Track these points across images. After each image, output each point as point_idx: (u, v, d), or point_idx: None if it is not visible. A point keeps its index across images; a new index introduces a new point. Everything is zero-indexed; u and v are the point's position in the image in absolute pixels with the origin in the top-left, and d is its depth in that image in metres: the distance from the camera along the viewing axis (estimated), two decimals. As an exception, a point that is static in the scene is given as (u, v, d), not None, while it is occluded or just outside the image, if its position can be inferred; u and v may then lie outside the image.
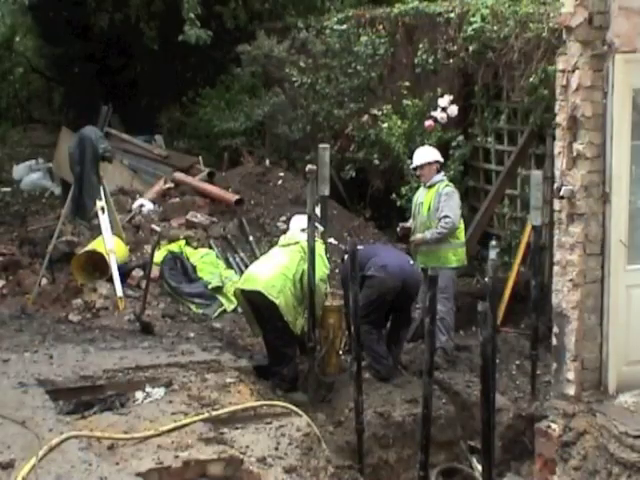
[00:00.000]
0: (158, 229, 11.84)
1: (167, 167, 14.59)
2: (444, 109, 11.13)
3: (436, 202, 9.42)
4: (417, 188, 11.34)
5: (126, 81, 18.92)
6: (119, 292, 10.18)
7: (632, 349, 7.42)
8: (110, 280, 10.37)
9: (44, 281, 10.71)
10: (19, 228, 12.90)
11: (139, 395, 7.86)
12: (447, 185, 9.55)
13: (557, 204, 7.39)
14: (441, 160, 9.75)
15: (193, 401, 7.55)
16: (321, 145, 10.30)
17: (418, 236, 9.50)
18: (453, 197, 9.44)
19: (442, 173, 9.73)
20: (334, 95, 13.22)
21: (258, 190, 13.22)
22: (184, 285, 10.87)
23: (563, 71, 7.23)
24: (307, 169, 8.71)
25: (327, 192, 10.23)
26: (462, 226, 9.62)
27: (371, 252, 9.22)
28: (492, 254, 7.51)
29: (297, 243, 8.85)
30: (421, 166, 9.65)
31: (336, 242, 9.65)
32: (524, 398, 8.73)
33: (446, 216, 9.31)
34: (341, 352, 9.51)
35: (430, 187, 9.54)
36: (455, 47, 11.57)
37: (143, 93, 18.94)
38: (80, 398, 7.77)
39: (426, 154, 9.72)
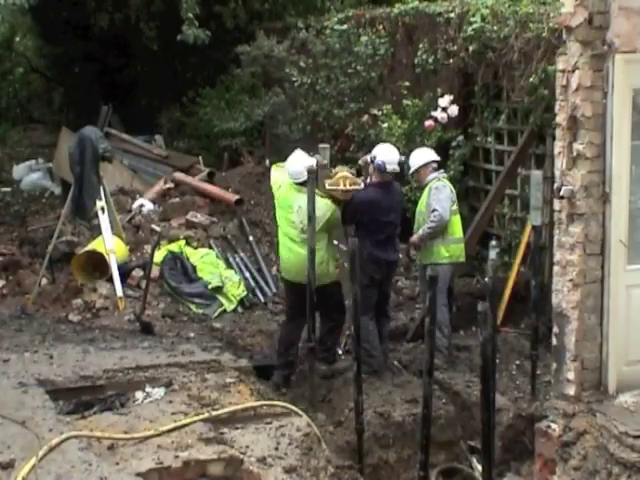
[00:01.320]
0: (158, 229, 11.84)
1: (167, 167, 14.60)
2: (444, 109, 11.12)
3: (428, 199, 9.44)
4: (417, 188, 11.38)
5: (126, 81, 18.92)
6: (119, 292, 10.19)
7: (632, 349, 7.41)
8: (110, 280, 10.38)
9: (44, 281, 10.72)
10: (19, 228, 12.92)
11: (139, 395, 7.86)
12: (438, 180, 9.53)
13: (557, 204, 7.39)
14: (435, 159, 9.70)
15: (193, 401, 7.55)
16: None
17: (413, 237, 9.52)
18: (442, 191, 9.40)
19: (440, 171, 9.71)
20: (334, 95, 13.21)
21: (258, 190, 13.23)
22: (184, 285, 10.88)
23: (563, 71, 7.23)
24: (307, 169, 8.70)
25: None
26: (458, 222, 9.60)
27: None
28: (492, 254, 7.51)
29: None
30: (416, 170, 9.67)
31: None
32: (524, 398, 8.73)
33: (434, 209, 9.30)
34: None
35: (425, 186, 9.56)
36: (455, 47, 11.56)
37: (143, 93, 18.95)
38: (80, 398, 7.77)
39: (418, 158, 9.70)
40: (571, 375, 7.32)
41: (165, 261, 11.04)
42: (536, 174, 9.31)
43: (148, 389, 7.94)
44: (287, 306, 9.51)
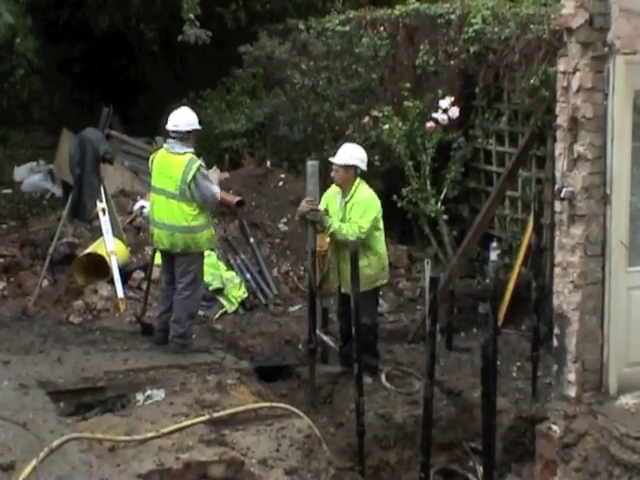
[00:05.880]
0: (159, 231, 11.82)
1: (168, 168, 14.56)
2: (445, 110, 11.12)
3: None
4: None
5: (127, 82, 18.93)
6: (120, 294, 10.18)
7: (633, 350, 7.43)
8: (111, 282, 10.37)
9: (45, 283, 10.71)
10: (20, 230, 12.91)
11: (140, 397, 7.87)
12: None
13: (558, 205, 7.40)
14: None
15: (194, 403, 7.55)
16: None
17: None
18: None
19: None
20: (335, 96, 13.21)
21: (259, 192, 13.22)
22: (185, 287, 10.86)
23: (564, 73, 7.24)
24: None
25: None
26: None
27: None
28: (493, 255, 7.53)
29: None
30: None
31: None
32: (525, 400, 8.71)
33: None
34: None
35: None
36: (456, 48, 11.57)
37: (144, 94, 18.95)
38: (81, 400, 7.78)
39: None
40: (572, 377, 7.33)
41: (166, 263, 11.03)
42: (312, 164, 8.61)
43: (149, 391, 7.94)
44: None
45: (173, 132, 8.79)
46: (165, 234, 8.80)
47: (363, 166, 8.82)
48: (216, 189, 8.93)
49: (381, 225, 8.81)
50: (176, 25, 14.28)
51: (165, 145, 8.93)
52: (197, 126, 8.91)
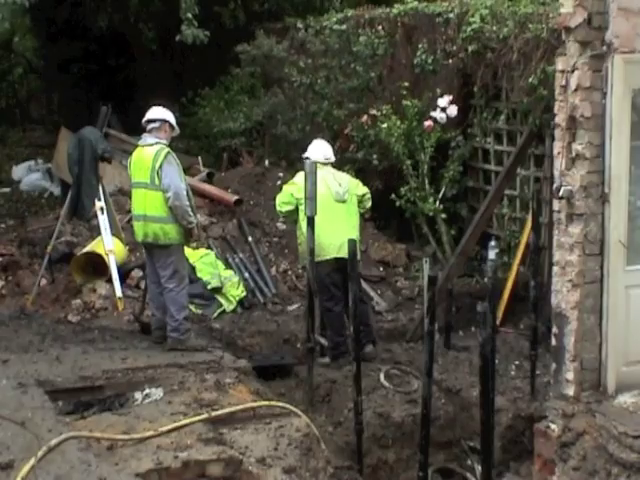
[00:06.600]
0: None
1: (166, 167, 14.54)
2: (443, 109, 11.12)
3: None
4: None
5: (125, 81, 18.91)
6: (118, 292, 10.18)
7: (631, 349, 7.42)
8: (109, 281, 10.38)
9: (43, 281, 10.72)
10: (18, 228, 12.92)
11: (138, 395, 7.87)
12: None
13: (556, 204, 7.39)
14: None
15: (192, 401, 7.55)
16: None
17: None
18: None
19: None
20: (333, 95, 13.21)
21: (257, 190, 13.22)
22: (183, 285, 10.86)
23: (562, 71, 7.24)
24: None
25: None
26: None
27: None
28: (491, 254, 7.53)
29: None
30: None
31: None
32: (523, 398, 8.73)
33: None
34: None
35: None
36: (454, 47, 11.58)
37: (142, 93, 18.90)
38: (79, 398, 7.77)
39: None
40: (570, 375, 7.32)
41: (164, 261, 11.02)
42: (310, 162, 8.60)
43: (147, 389, 7.94)
44: (326, 291, 9.22)
45: (147, 122, 9.03)
46: (140, 225, 9.01)
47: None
48: (183, 185, 8.86)
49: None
50: (175, 24, 14.26)
51: (139, 142, 9.16)
52: (172, 121, 9.08)
